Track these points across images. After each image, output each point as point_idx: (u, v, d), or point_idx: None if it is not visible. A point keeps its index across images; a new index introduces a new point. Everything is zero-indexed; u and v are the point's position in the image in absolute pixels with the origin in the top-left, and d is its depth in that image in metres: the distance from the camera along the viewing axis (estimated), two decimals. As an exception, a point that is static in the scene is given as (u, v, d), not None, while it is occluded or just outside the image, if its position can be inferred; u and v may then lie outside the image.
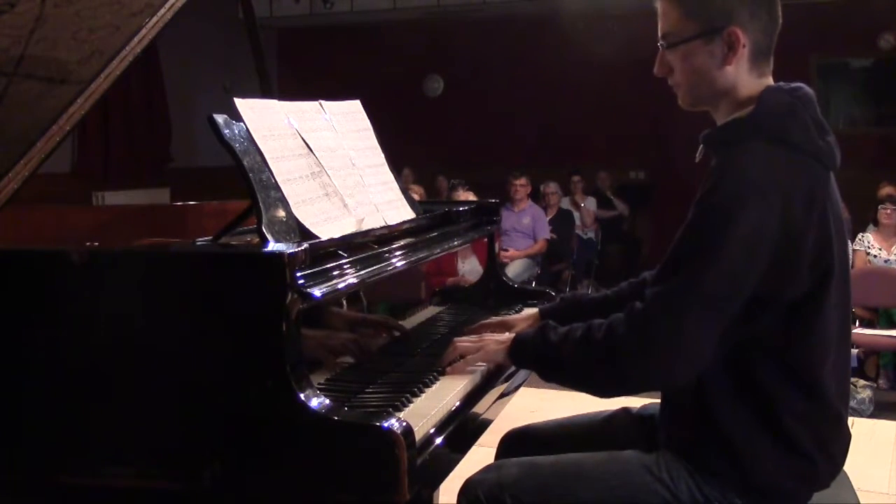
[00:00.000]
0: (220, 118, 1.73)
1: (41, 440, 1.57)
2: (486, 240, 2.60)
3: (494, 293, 2.57)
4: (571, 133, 10.16)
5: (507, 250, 7.50)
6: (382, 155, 2.23)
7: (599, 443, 1.85)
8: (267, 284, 1.47)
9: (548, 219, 8.23)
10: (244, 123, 1.78)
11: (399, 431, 1.40)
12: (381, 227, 1.97)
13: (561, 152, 10.16)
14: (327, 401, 1.45)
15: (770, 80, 1.70)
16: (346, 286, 1.66)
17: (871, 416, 4.98)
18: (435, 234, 2.22)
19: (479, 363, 1.84)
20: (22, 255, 1.65)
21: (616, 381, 1.63)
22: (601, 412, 2.01)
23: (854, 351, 5.38)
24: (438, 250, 2.18)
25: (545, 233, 7.91)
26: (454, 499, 1.78)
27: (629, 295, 1.95)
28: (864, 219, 6.55)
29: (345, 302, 1.84)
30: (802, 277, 1.57)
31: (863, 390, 5.17)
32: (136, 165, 8.94)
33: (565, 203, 9.07)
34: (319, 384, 1.65)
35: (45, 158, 1.84)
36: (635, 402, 1.99)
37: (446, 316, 2.37)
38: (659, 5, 1.72)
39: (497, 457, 2.01)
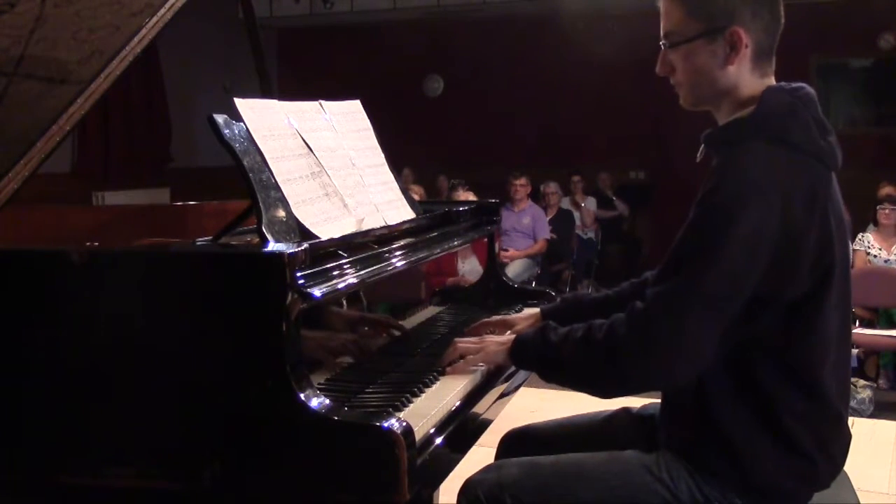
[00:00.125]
0: (220, 118, 1.73)
1: (41, 440, 1.57)
2: (486, 240, 2.60)
3: (494, 293, 2.58)
4: (571, 133, 10.16)
5: (507, 250, 7.50)
6: (382, 155, 2.23)
7: (599, 443, 1.85)
8: (267, 284, 1.47)
9: (548, 219, 8.23)
10: (244, 123, 1.77)
11: (399, 431, 1.40)
12: (381, 227, 1.97)
13: (561, 152, 10.16)
14: (327, 401, 1.45)
15: (772, 80, 1.70)
16: (346, 286, 1.66)
17: (871, 416, 4.98)
18: (435, 234, 2.22)
19: (480, 363, 1.84)
20: (22, 255, 1.64)
21: (617, 382, 1.63)
22: (601, 412, 2.01)
23: (854, 351, 5.37)
24: (438, 250, 2.18)
25: (545, 233, 7.91)
26: (454, 499, 1.78)
27: (630, 295, 1.95)
28: (864, 219, 6.55)
29: (345, 302, 1.84)
30: (803, 277, 1.57)
31: (863, 390, 5.17)
32: (136, 165, 8.94)
33: (565, 203, 9.07)
34: (319, 384, 1.65)
35: (45, 158, 1.84)
36: (635, 402, 1.99)
37: (446, 316, 2.37)
38: (661, 4, 1.72)
39: (497, 457, 2.01)
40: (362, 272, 1.74)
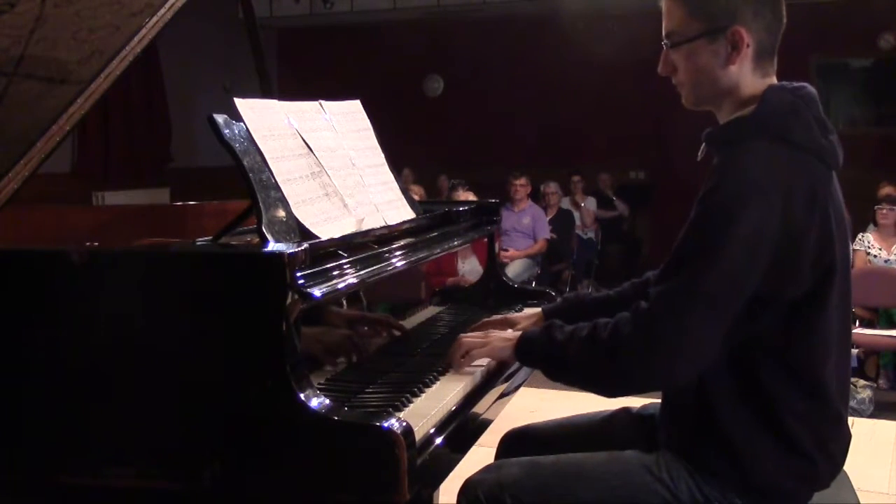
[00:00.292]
0: (220, 118, 1.73)
1: (41, 440, 1.57)
2: (486, 240, 2.60)
3: (494, 293, 2.57)
4: (571, 133, 10.16)
5: (507, 250, 7.50)
6: (382, 155, 2.23)
7: (599, 443, 1.85)
8: (267, 284, 1.46)
9: (548, 219, 8.23)
10: (244, 123, 1.77)
11: (399, 431, 1.39)
12: (381, 227, 1.97)
13: (561, 152, 10.16)
14: (327, 401, 1.45)
15: (774, 80, 1.69)
16: (346, 286, 1.66)
17: (871, 416, 4.98)
18: (435, 234, 2.22)
19: (483, 360, 1.84)
20: (22, 255, 1.64)
21: (621, 381, 1.63)
22: (601, 412, 2.01)
23: (854, 351, 5.38)
24: (438, 250, 2.18)
25: (545, 233, 7.91)
26: (454, 499, 1.78)
27: (632, 295, 1.95)
28: (864, 219, 6.55)
29: (345, 302, 1.84)
30: (804, 277, 1.57)
31: (863, 390, 5.17)
32: (136, 165, 8.95)
33: (565, 203, 9.07)
34: (319, 384, 1.65)
35: (45, 158, 1.84)
36: (635, 402, 1.99)
37: (446, 316, 2.37)
38: (663, 4, 1.72)
39: (497, 457, 2.01)
40: (362, 272, 1.74)
